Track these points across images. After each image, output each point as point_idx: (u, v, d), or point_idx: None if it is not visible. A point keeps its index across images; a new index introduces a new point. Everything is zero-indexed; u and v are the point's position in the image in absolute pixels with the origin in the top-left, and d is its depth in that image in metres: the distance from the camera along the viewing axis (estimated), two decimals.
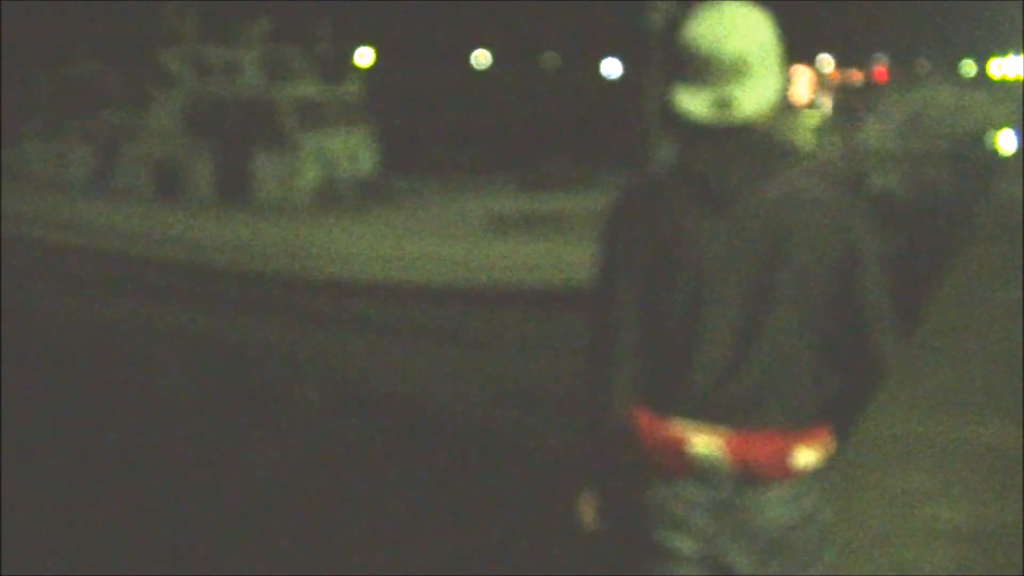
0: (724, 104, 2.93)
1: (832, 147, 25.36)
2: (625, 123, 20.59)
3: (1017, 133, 42.77)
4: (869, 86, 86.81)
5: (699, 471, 2.95)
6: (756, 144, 2.98)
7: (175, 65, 21.80)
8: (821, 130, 32.29)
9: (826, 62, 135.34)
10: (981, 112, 52.45)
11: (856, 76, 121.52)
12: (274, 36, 22.58)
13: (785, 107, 36.51)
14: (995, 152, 41.01)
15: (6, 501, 10.10)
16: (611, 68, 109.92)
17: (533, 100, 71.96)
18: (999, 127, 46.84)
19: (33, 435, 12.22)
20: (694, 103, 2.95)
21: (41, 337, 16.62)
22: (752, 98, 2.95)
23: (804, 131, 30.30)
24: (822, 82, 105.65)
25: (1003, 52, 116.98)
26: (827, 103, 63.65)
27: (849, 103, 60.25)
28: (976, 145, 43.39)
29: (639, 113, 18.81)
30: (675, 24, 3.14)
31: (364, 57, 76.03)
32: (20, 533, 9.61)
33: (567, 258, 16.79)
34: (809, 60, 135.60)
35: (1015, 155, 31.41)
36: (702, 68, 2.94)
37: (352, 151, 21.28)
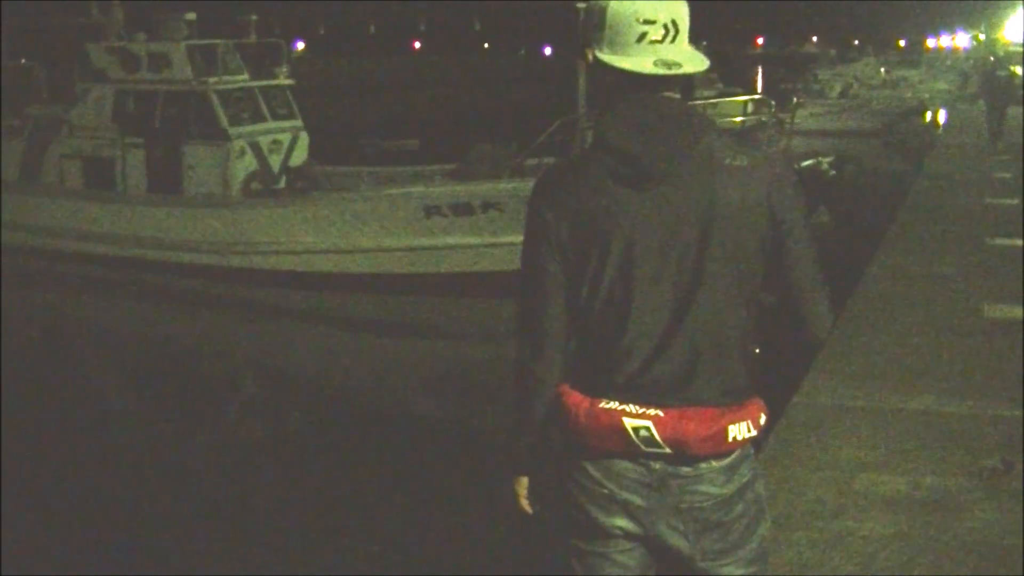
0: (667, 64, 2.91)
1: (764, 125, 25.44)
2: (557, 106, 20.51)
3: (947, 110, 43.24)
4: (800, 62, 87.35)
5: (632, 450, 2.92)
6: (676, 117, 2.94)
7: (102, 59, 21.55)
8: (753, 108, 32.37)
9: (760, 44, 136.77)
10: (917, 89, 53.05)
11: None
12: (201, 28, 22.37)
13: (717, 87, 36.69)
14: (931, 128, 41.42)
15: None
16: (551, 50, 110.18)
17: (467, 86, 71.98)
18: (936, 104, 47.38)
19: None
20: (639, 64, 2.91)
21: None
22: (689, 57, 2.95)
23: (734, 110, 30.36)
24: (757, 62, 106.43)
25: (938, 30, 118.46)
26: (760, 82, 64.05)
27: (782, 81, 60.69)
28: (911, 121, 43.82)
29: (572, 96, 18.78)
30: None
31: (294, 48, 75.64)
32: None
33: (502, 244, 16.74)
34: (747, 41, 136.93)
35: (956, 131, 31.72)
36: (639, 32, 2.91)
37: (283, 142, 21.13)
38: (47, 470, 11.45)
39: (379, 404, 13.85)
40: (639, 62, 2.91)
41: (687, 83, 3.02)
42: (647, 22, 2.92)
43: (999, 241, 13.48)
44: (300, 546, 9.53)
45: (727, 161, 2.91)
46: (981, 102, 32.97)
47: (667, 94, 2.96)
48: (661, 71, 2.90)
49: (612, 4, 2.95)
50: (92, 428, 12.89)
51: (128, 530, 10.00)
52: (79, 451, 12.01)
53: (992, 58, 36.94)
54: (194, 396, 14.44)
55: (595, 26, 2.98)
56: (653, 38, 2.92)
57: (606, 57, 2.96)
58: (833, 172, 20.85)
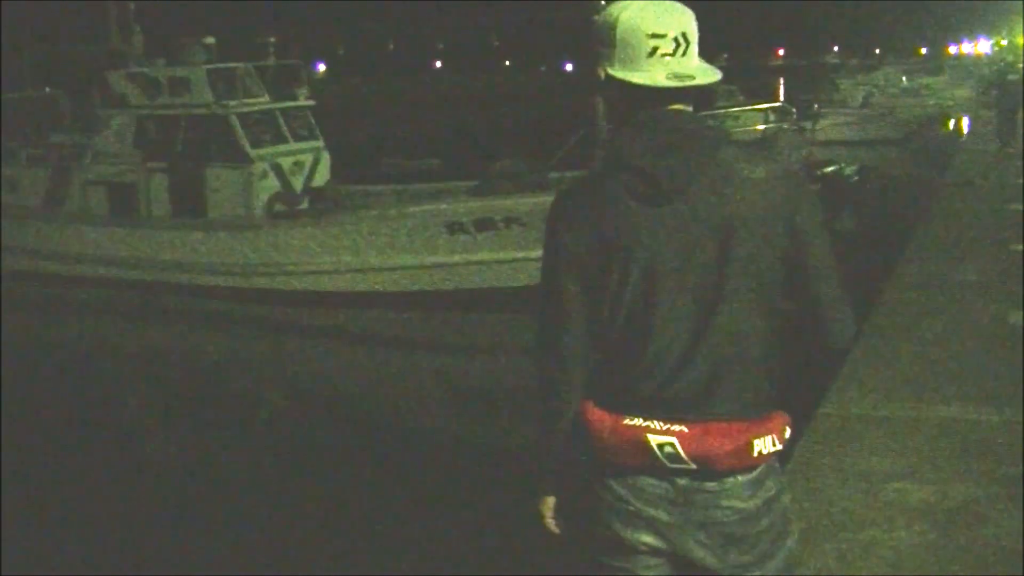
0: (679, 76, 2.92)
1: (785, 133, 25.42)
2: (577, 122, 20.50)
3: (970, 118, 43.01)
4: (821, 72, 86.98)
5: (657, 466, 2.91)
6: (690, 131, 2.95)
7: (123, 86, 21.66)
8: (775, 117, 32.30)
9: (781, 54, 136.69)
10: (939, 96, 52.77)
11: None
12: (221, 52, 22.45)
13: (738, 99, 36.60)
14: (953, 135, 41.23)
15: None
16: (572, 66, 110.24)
17: (488, 104, 72.02)
18: (958, 111, 47.17)
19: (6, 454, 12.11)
20: (651, 78, 2.92)
21: (5, 361, 16.41)
22: (701, 70, 2.96)
23: (755, 120, 30.33)
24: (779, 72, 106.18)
25: (959, 37, 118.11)
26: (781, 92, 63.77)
27: (803, 91, 60.45)
28: (933, 128, 43.66)
29: (590, 111, 18.77)
30: (608, 16, 3.13)
31: (315, 69, 76.02)
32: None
33: (524, 260, 16.73)
34: (767, 52, 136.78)
35: (979, 137, 31.54)
36: (649, 47, 2.92)
37: (305, 163, 21.19)
38: (74, 482, 11.52)
39: (404, 421, 13.85)
40: (651, 76, 2.92)
41: (706, 95, 3.04)
42: (657, 36, 2.92)
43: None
44: (321, 558, 9.55)
45: (744, 173, 2.91)
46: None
47: (680, 107, 2.97)
48: (674, 84, 2.91)
49: (621, 20, 2.95)
50: (120, 444, 12.98)
51: (144, 537, 10.08)
52: (106, 464, 12.10)
53: (1002, 62, 36.67)
54: (221, 415, 14.47)
55: (605, 43, 2.98)
56: (664, 52, 2.92)
57: (618, 73, 2.96)
58: (856, 178, 20.83)
